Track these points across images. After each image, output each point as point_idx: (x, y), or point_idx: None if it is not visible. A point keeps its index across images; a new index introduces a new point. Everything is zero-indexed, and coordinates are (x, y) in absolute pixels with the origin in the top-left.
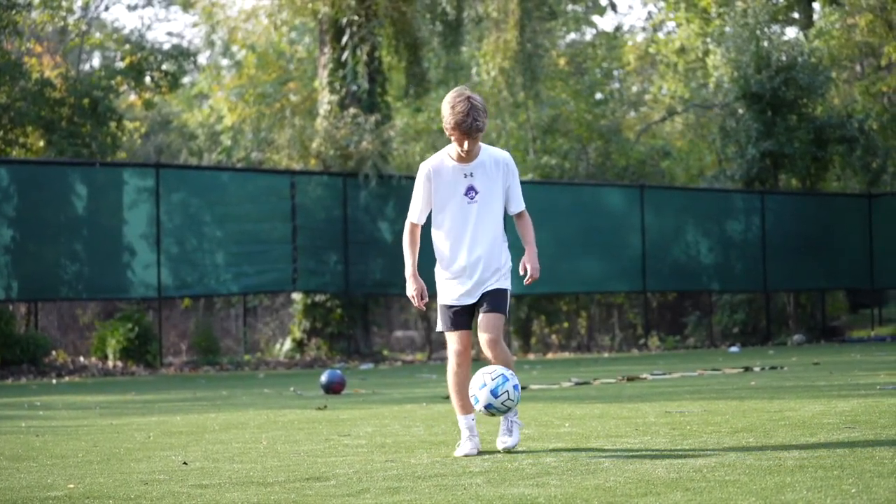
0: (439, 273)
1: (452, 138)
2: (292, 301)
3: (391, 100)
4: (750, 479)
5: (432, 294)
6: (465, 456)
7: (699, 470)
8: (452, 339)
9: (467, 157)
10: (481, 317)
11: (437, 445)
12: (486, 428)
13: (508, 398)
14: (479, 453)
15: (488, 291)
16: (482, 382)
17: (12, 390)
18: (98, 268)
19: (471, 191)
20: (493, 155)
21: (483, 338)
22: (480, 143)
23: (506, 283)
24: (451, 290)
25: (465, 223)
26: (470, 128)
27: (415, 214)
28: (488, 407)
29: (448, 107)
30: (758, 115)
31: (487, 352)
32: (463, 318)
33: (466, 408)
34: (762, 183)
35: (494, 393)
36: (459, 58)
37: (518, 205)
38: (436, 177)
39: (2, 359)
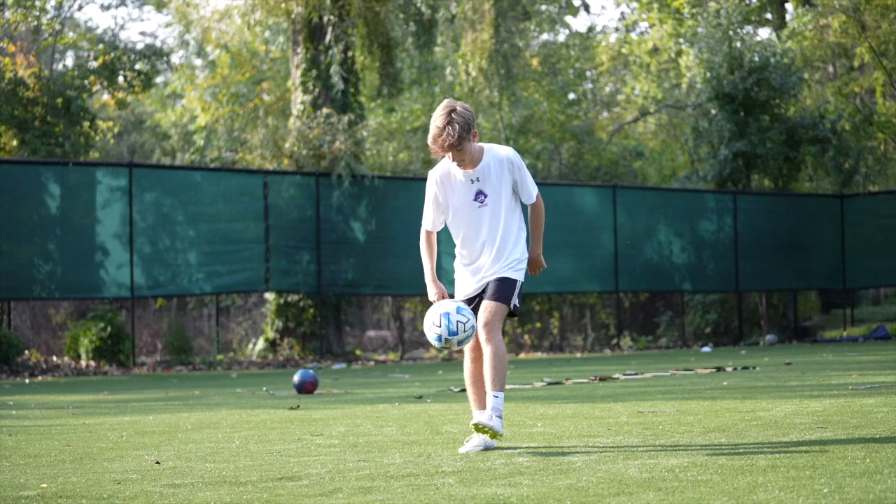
0: (457, 270)
1: None
2: (265, 301)
3: (364, 100)
4: (722, 479)
5: (452, 294)
6: (467, 453)
7: (671, 470)
8: None
9: (465, 164)
10: (482, 303)
11: (410, 445)
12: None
13: (463, 326)
14: (487, 449)
15: (494, 279)
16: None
17: None
18: (71, 267)
19: (480, 195)
20: (496, 155)
21: (481, 321)
22: (483, 145)
23: (515, 275)
24: (466, 286)
25: (478, 227)
26: (444, 144)
27: (427, 222)
28: (445, 315)
29: (432, 121)
30: (730, 115)
31: (480, 335)
32: (476, 309)
33: (480, 403)
34: (734, 183)
35: (459, 310)
36: (433, 58)
37: (529, 196)
38: (443, 185)
39: None
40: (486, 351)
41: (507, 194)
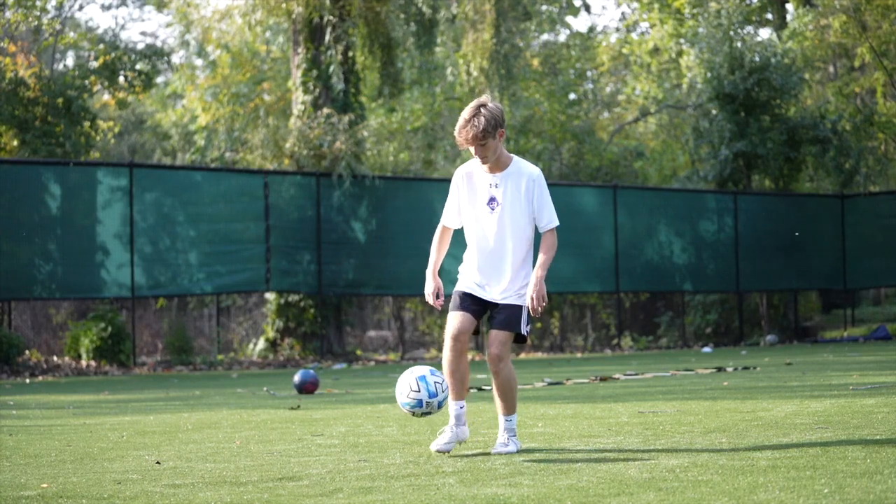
0: (462, 265)
1: None
2: (265, 301)
3: (365, 100)
4: (723, 479)
5: (449, 294)
6: (438, 452)
7: (672, 470)
8: (452, 320)
9: (488, 165)
10: (490, 332)
11: (411, 445)
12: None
13: (441, 386)
14: (460, 443)
15: (503, 306)
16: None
17: None
18: (72, 267)
19: (493, 201)
20: (521, 169)
21: (489, 352)
22: (513, 156)
23: (522, 300)
24: (468, 282)
25: (484, 233)
26: (468, 135)
27: (445, 217)
28: (421, 378)
29: (461, 114)
30: (731, 115)
31: (490, 366)
32: (469, 303)
33: (457, 393)
34: (735, 183)
35: (433, 371)
36: (434, 58)
37: (547, 222)
38: (466, 182)
39: None
40: (496, 380)
41: (520, 210)
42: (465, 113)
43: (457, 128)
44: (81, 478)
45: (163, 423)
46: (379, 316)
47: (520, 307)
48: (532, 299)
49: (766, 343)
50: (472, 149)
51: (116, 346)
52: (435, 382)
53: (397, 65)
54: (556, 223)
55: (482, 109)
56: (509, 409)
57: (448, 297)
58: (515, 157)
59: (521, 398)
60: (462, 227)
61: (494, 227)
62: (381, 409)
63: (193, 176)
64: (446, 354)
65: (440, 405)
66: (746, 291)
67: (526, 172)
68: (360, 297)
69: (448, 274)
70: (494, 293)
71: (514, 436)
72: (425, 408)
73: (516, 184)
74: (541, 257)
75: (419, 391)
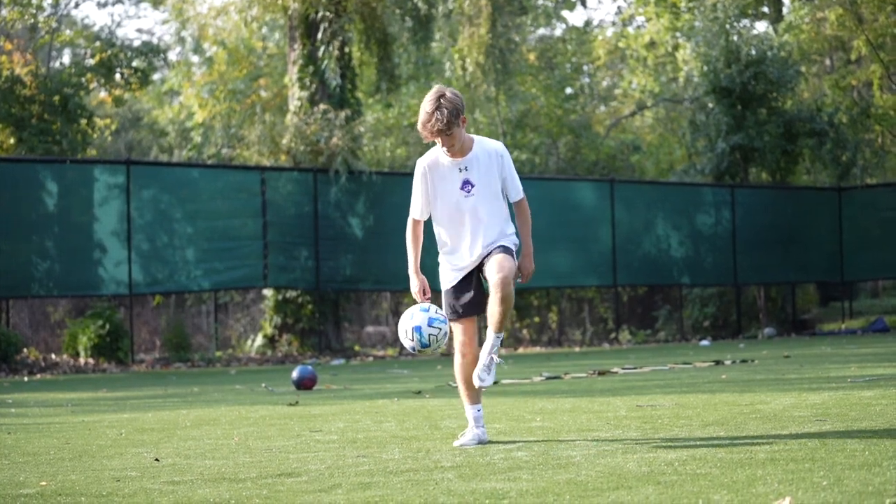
0: (442, 261)
1: None
2: (263, 297)
3: (362, 95)
4: (721, 473)
5: (435, 289)
6: (462, 446)
7: (670, 463)
8: (458, 330)
9: (454, 152)
10: (490, 260)
11: (409, 440)
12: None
13: (436, 337)
14: (481, 443)
15: (494, 248)
16: (412, 315)
17: None
18: (69, 265)
19: (467, 185)
20: (485, 147)
21: (495, 277)
22: (473, 136)
23: (512, 246)
24: (451, 277)
25: (463, 217)
26: (433, 129)
27: (415, 210)
28: (417, 329)
29: (421, 106)
30: (727, 109)
31: (498, 290)
32: (464, 304)
33: (473, 398)
34: (732, 177)
35: (430, 322)
36: (430, 53)
37: (516, 193)
38: (431, 173)
39: None
40: (499, 296)
41: (494, 186)
42: (427, 106)
43: (420, 122)
44: (80, 475)
45: (161, 420)
46: (377, 311)
47: (511, 248)
48: (525, 277)
49: (764, 336)
50: (437, 140)
51: (114, 343)
52: (430, 335)
53: (394, 60)
54: (523, 193)
55: (442, 101)
56: (502, 326)
57: (436, 291)
58: (476, 137)
59: (520, 393)
60: (431, 218)
61: (472, 209)
62: (379, 405)
63: (190, 173)
64: (458, 364)
65: (434, 352)
66: (744, 284)
67: (491, 149)
68: (357, 292)
69: (428, 270)
70: (478, 252)
71: (496, 353)
72: (418, 351)
73: (485, 163)
74: (525, 230)
75: (412, 340)
